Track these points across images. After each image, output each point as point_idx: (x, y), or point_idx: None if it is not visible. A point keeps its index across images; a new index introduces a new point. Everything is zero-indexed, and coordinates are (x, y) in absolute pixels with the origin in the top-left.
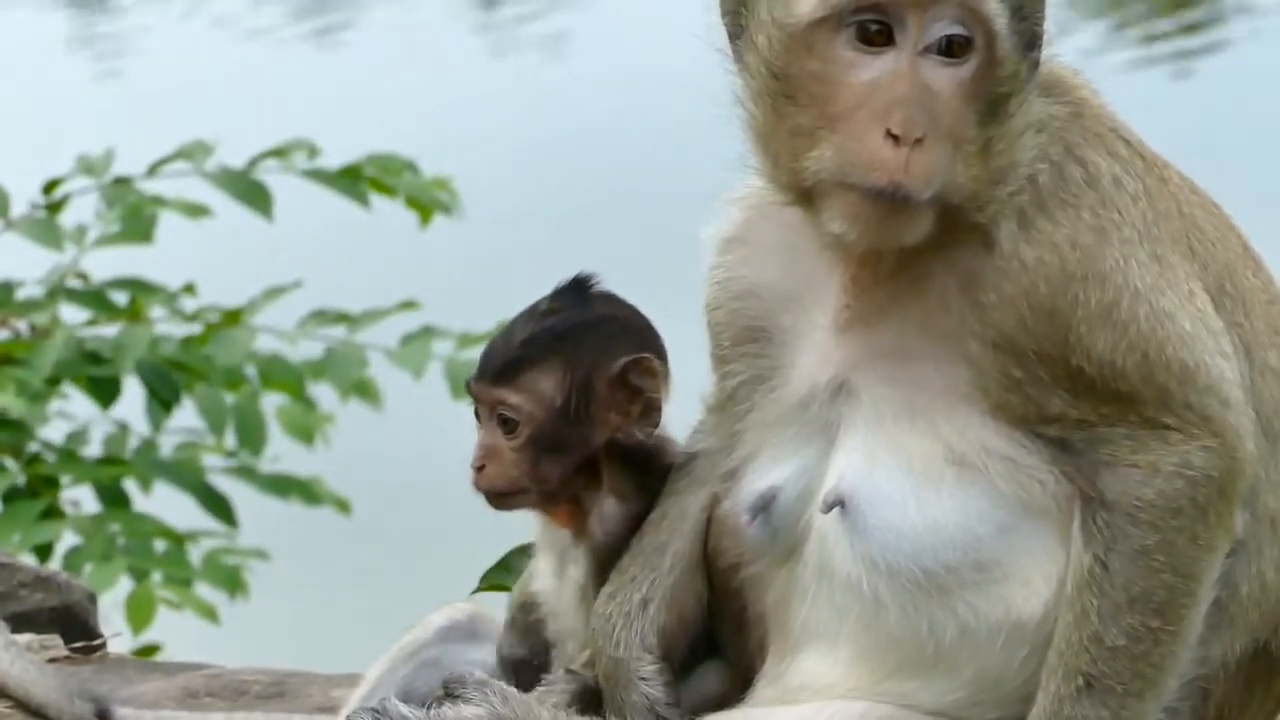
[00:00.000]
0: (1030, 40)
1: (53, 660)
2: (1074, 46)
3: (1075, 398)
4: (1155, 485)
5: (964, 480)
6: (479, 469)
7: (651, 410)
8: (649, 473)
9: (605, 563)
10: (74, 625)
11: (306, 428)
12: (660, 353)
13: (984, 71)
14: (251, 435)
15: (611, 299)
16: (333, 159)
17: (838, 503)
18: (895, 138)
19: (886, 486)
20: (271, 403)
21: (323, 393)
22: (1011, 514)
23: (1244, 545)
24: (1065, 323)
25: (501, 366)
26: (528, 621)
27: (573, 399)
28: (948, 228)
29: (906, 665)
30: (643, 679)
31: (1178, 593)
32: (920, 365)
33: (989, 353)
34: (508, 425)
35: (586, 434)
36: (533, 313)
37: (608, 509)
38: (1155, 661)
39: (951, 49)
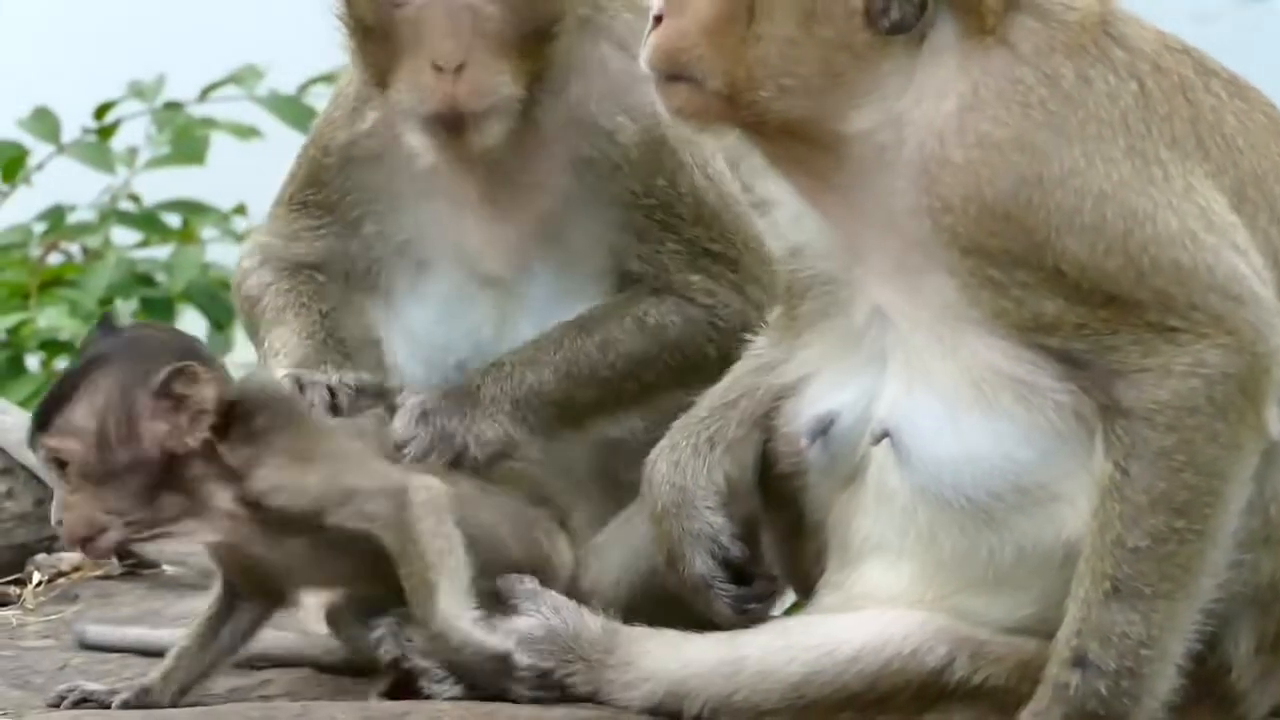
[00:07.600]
0: None
1: None
2: None
3: (1068, 302)
4: (1169, 386)
5: (992, 406)
6: (59, 524)
7: (200, 416)
8: (272, 423)
9: (305, 524)
10: None
11: None
12: (207, 360)
13: None
14: None
15: (147, 325)
16: None
17: (884, 435)
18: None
19: (925, 417)
20: None
21: None
22: (1046, 437)
23: None
24: (1027, 226)
25: (40, 414)
26: None
27: (110, 423)
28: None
29: (970, 585)
30: (709, 508)
31: (1200, 492)
32: (917, 278)
33: (961, 258)
34: (62, 470)
35: (139, 454)
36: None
37: (271, 477)
38: (1182, 562)
39: None
